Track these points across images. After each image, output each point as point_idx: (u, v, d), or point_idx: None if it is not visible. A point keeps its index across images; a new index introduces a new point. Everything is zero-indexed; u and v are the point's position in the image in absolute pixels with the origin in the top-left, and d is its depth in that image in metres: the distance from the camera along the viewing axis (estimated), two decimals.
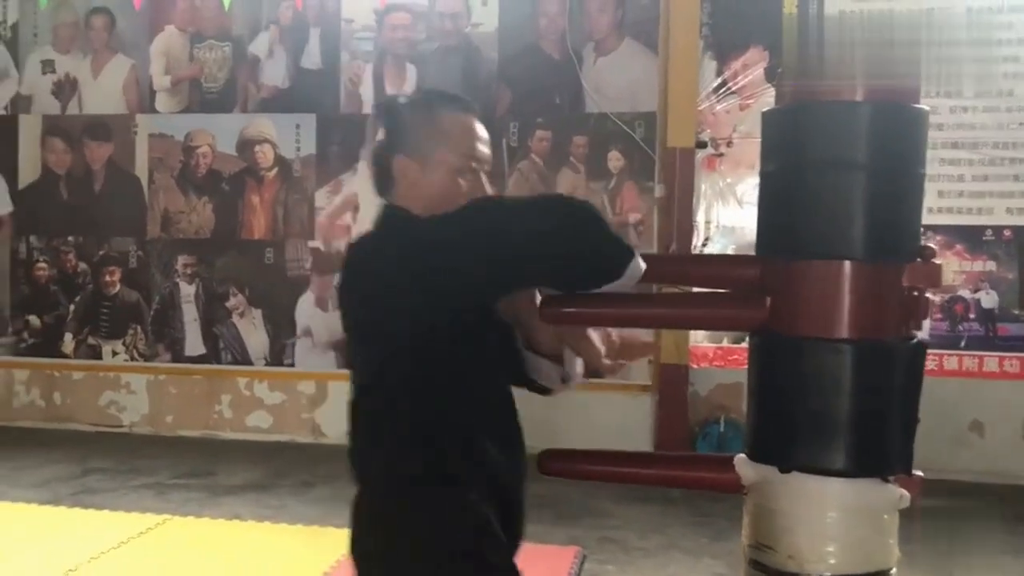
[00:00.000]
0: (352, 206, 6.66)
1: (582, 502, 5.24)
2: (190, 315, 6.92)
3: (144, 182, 6.94)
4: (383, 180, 1.79)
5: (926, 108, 1.40)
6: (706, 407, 6.27)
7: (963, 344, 6.04)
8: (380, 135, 1.81)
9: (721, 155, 6.26)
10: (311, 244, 6.72)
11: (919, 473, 1.46)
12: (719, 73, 6.22)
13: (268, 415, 6.75)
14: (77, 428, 6.96)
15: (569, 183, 6.44)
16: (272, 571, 4.10)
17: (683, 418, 6.16)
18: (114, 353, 7.02)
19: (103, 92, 6.98)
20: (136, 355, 7.01)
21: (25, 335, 7.14)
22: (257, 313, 6.80)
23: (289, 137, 6.74)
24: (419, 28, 6.59)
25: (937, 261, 1.41)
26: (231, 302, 6.84)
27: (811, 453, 1.38)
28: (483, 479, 1.71)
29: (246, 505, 5.15)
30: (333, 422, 6.62)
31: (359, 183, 6.59)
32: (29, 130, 7.07)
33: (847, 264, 1.34)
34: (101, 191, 7.02)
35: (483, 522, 1.67)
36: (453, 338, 1.63)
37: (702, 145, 6.22)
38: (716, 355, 6.32)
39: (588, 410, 6.29)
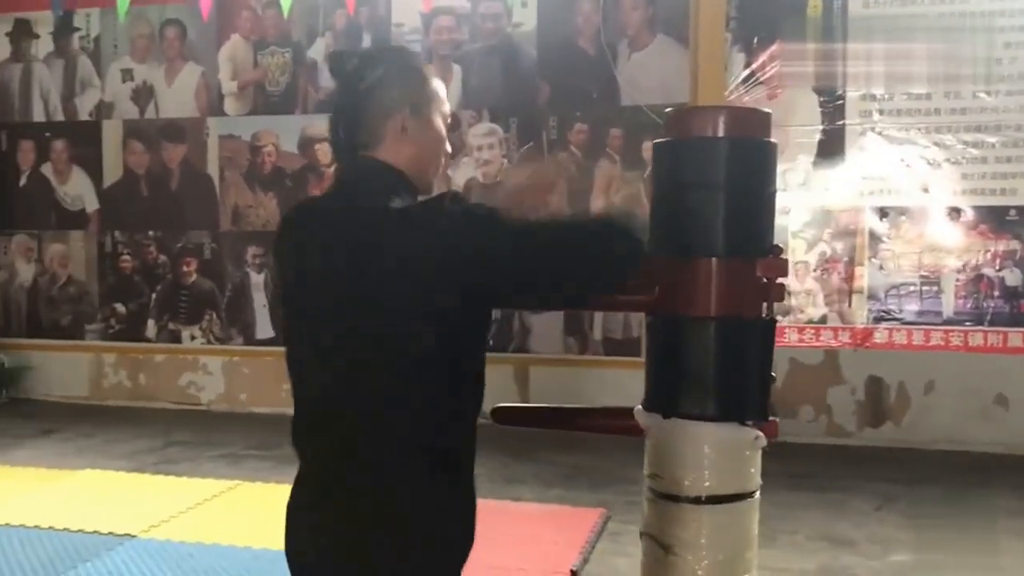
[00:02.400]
0: None
1: (614, 471, 5.65)
2: (259, 301, 7.50)
3: (215, 179, 7.53)
4: (358, 132, 1.72)
5: (774, 141, 1.78)
6: None
7: (988, 321, 6.25)
8: (362, 84, 1.72)
9: None
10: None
11: (775, 418, 1.84)
12: (747, 65, 6.51)
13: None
14: (160, 406, 7.62)
15: (606, 173, 6.81)
16: None
17: None
18: (192, 337, 7.65)
19: (177, 97, 7.58)
20: (212, 339, 7.63)
21: (112, 322, 7.82)
22: None
23: None
24: (463, 30, 7.01)
25: (784, 257, 1.79)
26: None
27: (688, 403, 1.78)
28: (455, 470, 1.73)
29: None
30: None
31: None
32: (112, 134, 7.73)
33: (713, 260, 1.73)
34: (177, 188, 7.64)
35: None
36: (460, 330, 1.65)
37: None
38: None
39: (616, 386, 6.70)
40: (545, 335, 6.98)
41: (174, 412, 7.48)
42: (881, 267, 6.40)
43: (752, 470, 1.81)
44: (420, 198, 1.72)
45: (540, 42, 6.90)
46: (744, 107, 1.90)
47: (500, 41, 6.96)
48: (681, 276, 1.76)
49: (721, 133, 1.74)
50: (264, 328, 7.49)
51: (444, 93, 1.84)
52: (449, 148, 1.85)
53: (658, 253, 1.78)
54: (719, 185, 1.73)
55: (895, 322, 6.38)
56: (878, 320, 6.41)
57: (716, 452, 1.77)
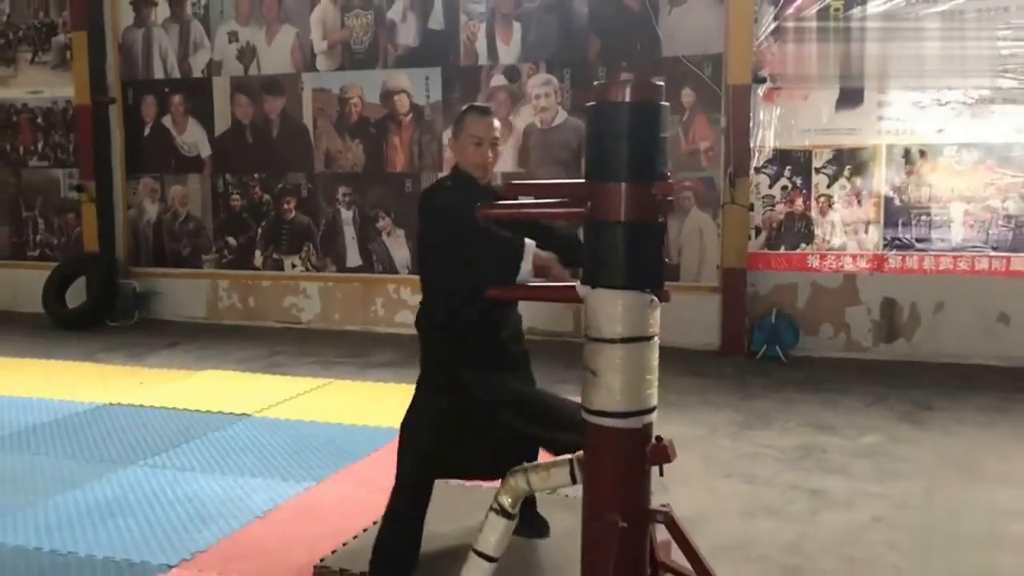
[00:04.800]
0: None
1: None
2: (349, 234, 8.61)
3: (310, 128, 8.62)
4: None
5: (664, 104, 2.67)
6: (764, 304, 7.41)
7: (992, 247, 6.92)
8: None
9: (779, 88, 7.29)
10: (440, 175, 8.24)
11: (667, 289, 2.76)
12: (776, 17, 7.21)
13: (411, 313, 8.37)
14: (267, 325, 8.85)
15: None
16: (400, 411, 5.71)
17: (742, 313, 7.36)
18: (293, 265, 8.83)
19: (275, 56, 8.67)
20: (310, 267, 8.79)
21: (225, 252, 9.06)
22: (401, 232, 8.42)
23: (420, 87, 8.23)
24: None
25: (670, 181, 2.68)
26: (380, 223, 8.49)
27: (606, 278, 2.71)
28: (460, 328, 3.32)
29: (389, 375, 6.79)
30: None
31: None
32: (220, 89, 8.88)
33: (623, 184, 2.65)
34: (277, 136, 8.76)
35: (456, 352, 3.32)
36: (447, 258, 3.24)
37: (760, 80, 7.26)
38: (774, 260, 7.42)
39: (667, 307, 7.59)
40: None
41: (278, 329, 8.69)
42: (896, 200, 7.11)
43: (650, 321, 2.74)
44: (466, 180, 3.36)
45: (591, 1, 7.71)
46: (644, 81, 2.76)
47: (555, 1, 7.79)
48: (602, 194, 2.69)
49: (627, 99, 2.65)
50: (353, 258, 8.60)
51: (478, 122, 3.34)
52: (486, 156, 3.35)
53: (591, 179, 2.72)
54: (623, 134, 2.64)
55: (908, 249, 7.10)
56: (892, 247, 7.14)
57: (624, 309, 2.71)
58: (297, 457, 4.88)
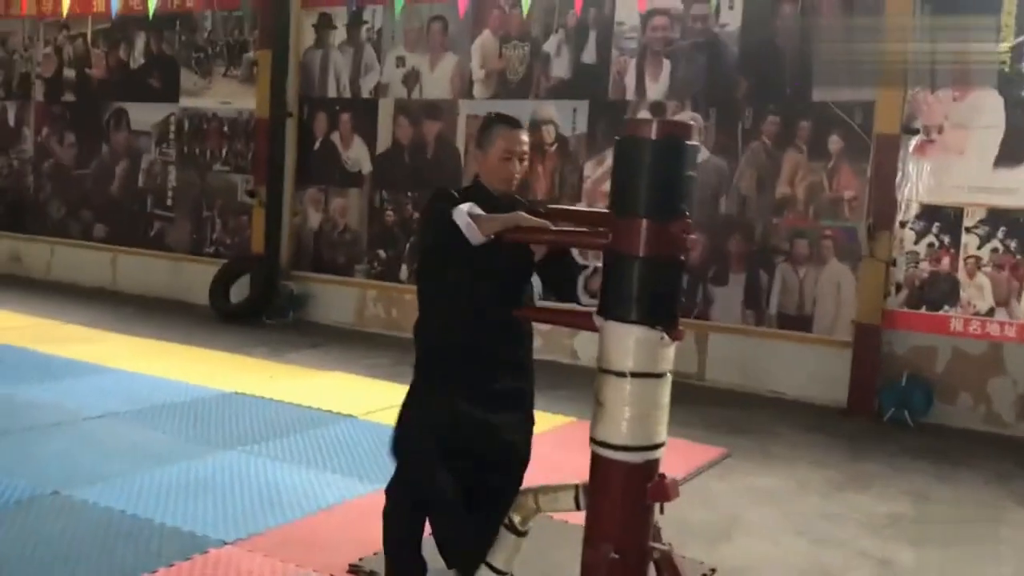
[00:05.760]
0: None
1: (756, 421, 6.44)
2: None
3: (461, 152, 8.96)
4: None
5: (691, 143, 2.66)
6: (898, 365, 7.03)
7: None
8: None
9: (932, 141, 6.94)
10: (578, 206, 8.35)
11: (681, 328, 2.74)
12: (930, 63, 6.88)
13: (539, 338, 8.52)
14: (405, 335, 9.14)
15: (793, 162, 7.46)
16: None
17: (872, 372, 7.01)
18: None
19: (437, 82, 9.08)
20: None
21: (375, 264, 9.53)
22: None
23: (568, 118, 8.39)
24: (675, 28, 7.90)
25: (688, 220, 2.68)
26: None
27: (619, 311, 2.73)
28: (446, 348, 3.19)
29: None
30: (586, 349, 8.26)
31: None
32: (385, 110, 9.39)
33: (644, 220, 2.67)
34: (432, 158, 9.15)
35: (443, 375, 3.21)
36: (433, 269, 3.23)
37: (913, 132, 6.94)
38: (914, 320, 7.04)
39: (797, 359, 7.39)
40: (725, 306, 7.76)
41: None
42: None
43: (663, 358, 2.73)
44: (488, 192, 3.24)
45: (743, 40, 7.64)
46: (672, 120, 2.79)
47: (707, 39, 7.77)
48: (622, 228, 2.72)
49: (653, 136, 2.68)
50: None
51: (510, 134, 3.25)
52: (511, 169, 3.25)
53: (612, 212, 2.76)
54: (644, 171, 2.67)
55: None
56: None
57: (635, 344, 2.72)
58: (382, 459, 5.09)
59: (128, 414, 5.71)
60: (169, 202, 10.81)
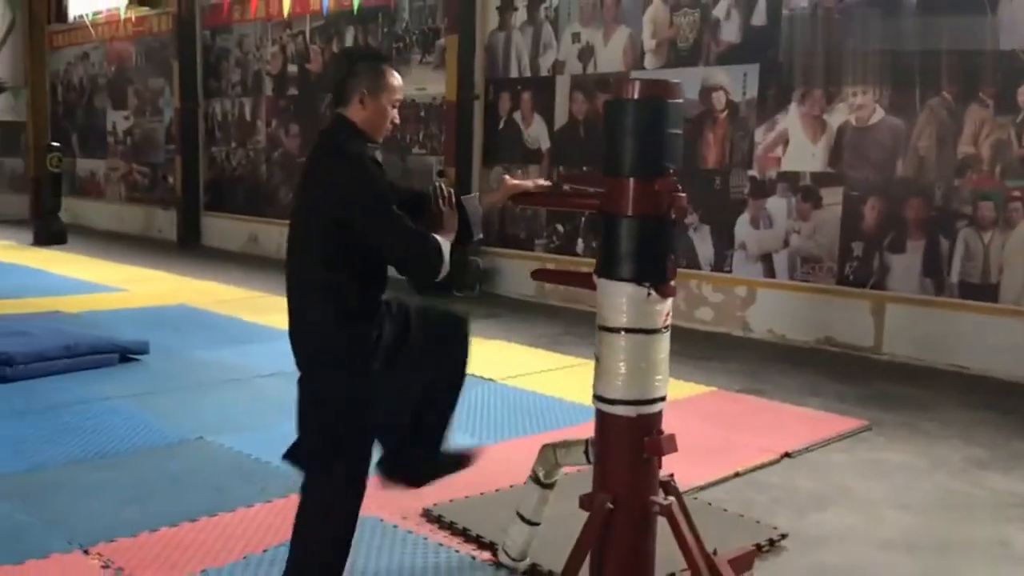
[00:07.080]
0: (783, 141, 7.90)
1: (922, 396, 6.08)
2: None
3: None
4: (339, 98, 2.84)
5: (674, 101, 2.63)
6: None
7: None
8: (343, 72, 2.86)
9: None
10: (749, 173, 8.14)
11: (672, 284, 2.74)
12: None
13: (711, 310, 8.42)
14: (579, 308, 9.34)
15: (977, 118, 6.87)
16: None
17: None
18: None
19: (609, 55, 9.13)
20: None
21: (554, 238, 9.76)
22: (705, 229, 8.46)
23: (738, 84, 8.18)
24: None
25: (674, 178, 2.65)
26: (688, 219, 8.59)
27: (612, 270, 2.76)
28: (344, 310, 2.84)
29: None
30: (759, 320, 8.06)
31: (790, 122, 7.81)
32: (562, 87, 9.56)
33: (631, 179, 2.68)
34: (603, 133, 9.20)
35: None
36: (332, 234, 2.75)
37: None
38: None
39: (980, 331, 6.85)
40: (903, 275, 7.30)
41: (587, 313, 9.14)
42: None
43: (653, 315, 2.75)
44: (369, 144, 2.86)
45: None
46: (654, 79, 2.77)
47: None
48: (611, 188, 2.76)
49: (635, 96, 2.69)
50: None
51: (397, 80, 2.88)
52: (395, 117, 2.90)
53: (604, 173, 2.81)
54: (628, 130, 2.69)
55: None
56: None
57: (627, 301, 2.75)
58: (499, 419, 5.34)
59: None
60: None
